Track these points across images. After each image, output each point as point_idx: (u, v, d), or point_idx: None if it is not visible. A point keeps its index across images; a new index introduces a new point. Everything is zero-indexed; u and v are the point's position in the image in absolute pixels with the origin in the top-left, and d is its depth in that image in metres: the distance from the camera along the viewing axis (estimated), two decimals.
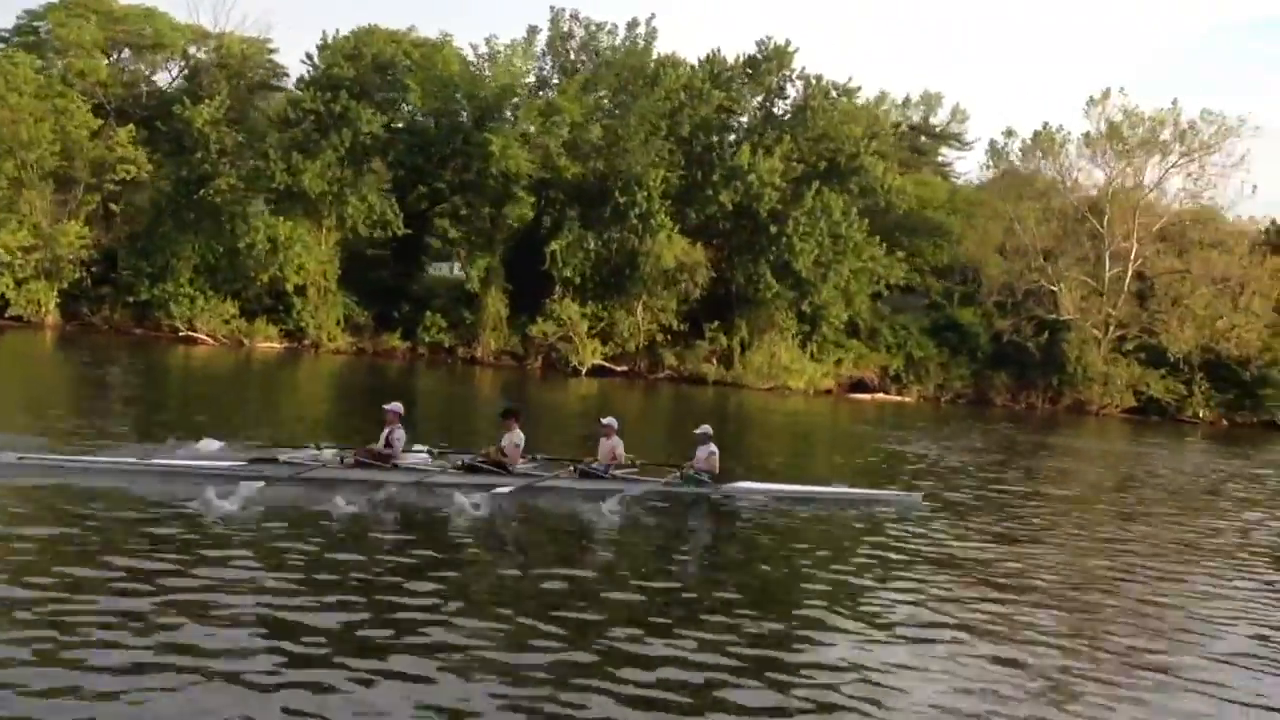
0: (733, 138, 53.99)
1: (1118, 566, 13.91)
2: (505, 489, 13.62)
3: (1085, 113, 63.75)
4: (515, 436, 14.70)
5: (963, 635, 9.61)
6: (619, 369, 54.22)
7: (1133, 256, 61.21)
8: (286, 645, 7.58)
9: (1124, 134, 61.43)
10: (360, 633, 8.10)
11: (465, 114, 49.46)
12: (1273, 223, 67.23)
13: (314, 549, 10.55)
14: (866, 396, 56.79)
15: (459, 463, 14.71)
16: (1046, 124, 66.11)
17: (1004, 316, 61.28)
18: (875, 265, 57.12)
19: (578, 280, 51.37)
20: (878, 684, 7.99)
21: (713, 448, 15.62)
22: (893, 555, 13.09)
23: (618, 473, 15.06)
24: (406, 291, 54.44)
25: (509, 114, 47.93)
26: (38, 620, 7.62)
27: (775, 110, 55.93)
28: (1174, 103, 63.58)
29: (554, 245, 49.75)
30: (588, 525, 13.39)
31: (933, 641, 9.39)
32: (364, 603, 8.84)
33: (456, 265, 57.13)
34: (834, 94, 54.93)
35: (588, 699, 7.10)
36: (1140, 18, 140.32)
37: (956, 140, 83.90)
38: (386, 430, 14.18)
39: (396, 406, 14.26)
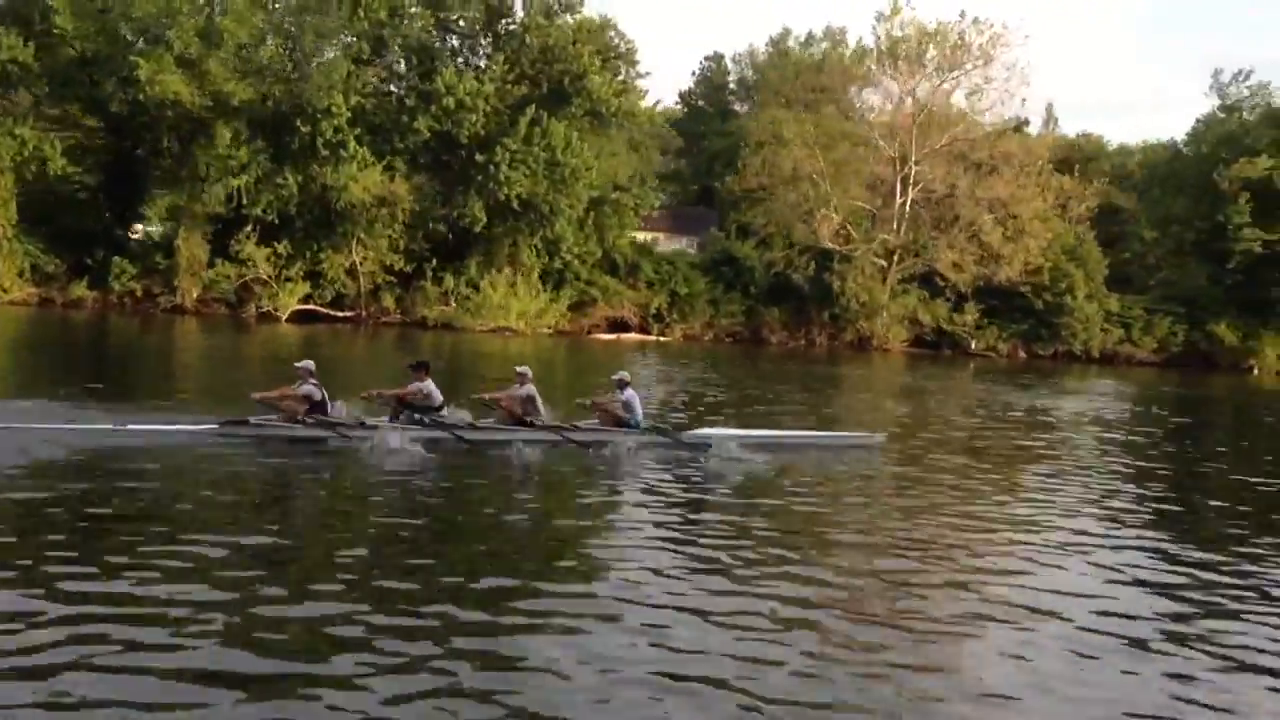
0: (451, 61, 49.67)
1: None
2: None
3: (873, 28, 59.99)
4: (426, 387, 14.57)
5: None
6: (340, 314, 50.52)
7: (911, 180, 57.53)
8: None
9: (902, 49, 57.46)
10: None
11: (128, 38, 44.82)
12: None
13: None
14: (612, 336, 53.23)
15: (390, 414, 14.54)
16: (836, 41, 62.32)
17: (777, 249, 57.66)
18: (628, 197, 53.42)
19: (273, 219, 47.40)
20: None
21: (631, 392, 15.34)
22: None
23: (548, 422, 14.95)
24: (111, 237, 50.36)
25: (169, 36, 43.33)
26: None
27: (499, 30, 51.53)
28: (961, 15, 59.74)
29: (236, 181, 45.66)
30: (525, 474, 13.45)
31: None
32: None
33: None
34: (556, 10, 50.60)
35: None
36: None
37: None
38: (297, 384, 14.09)
39: (308, 364, 14.24)
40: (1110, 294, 61.16)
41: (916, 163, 57.36)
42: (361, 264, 49.94)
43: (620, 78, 52.15)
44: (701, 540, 9.71)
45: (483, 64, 49.76)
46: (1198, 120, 66.54)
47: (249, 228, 46.86)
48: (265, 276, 47.20)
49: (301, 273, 49.29)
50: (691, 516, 11.02)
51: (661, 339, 54.73)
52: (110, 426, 13.03)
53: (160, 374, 25.45)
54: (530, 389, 14.94)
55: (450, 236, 51.62)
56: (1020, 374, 46.93)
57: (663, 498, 11.86)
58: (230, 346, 36.61)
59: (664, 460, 14.34)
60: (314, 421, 13.84)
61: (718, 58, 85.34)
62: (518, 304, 48.20)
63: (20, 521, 8.96)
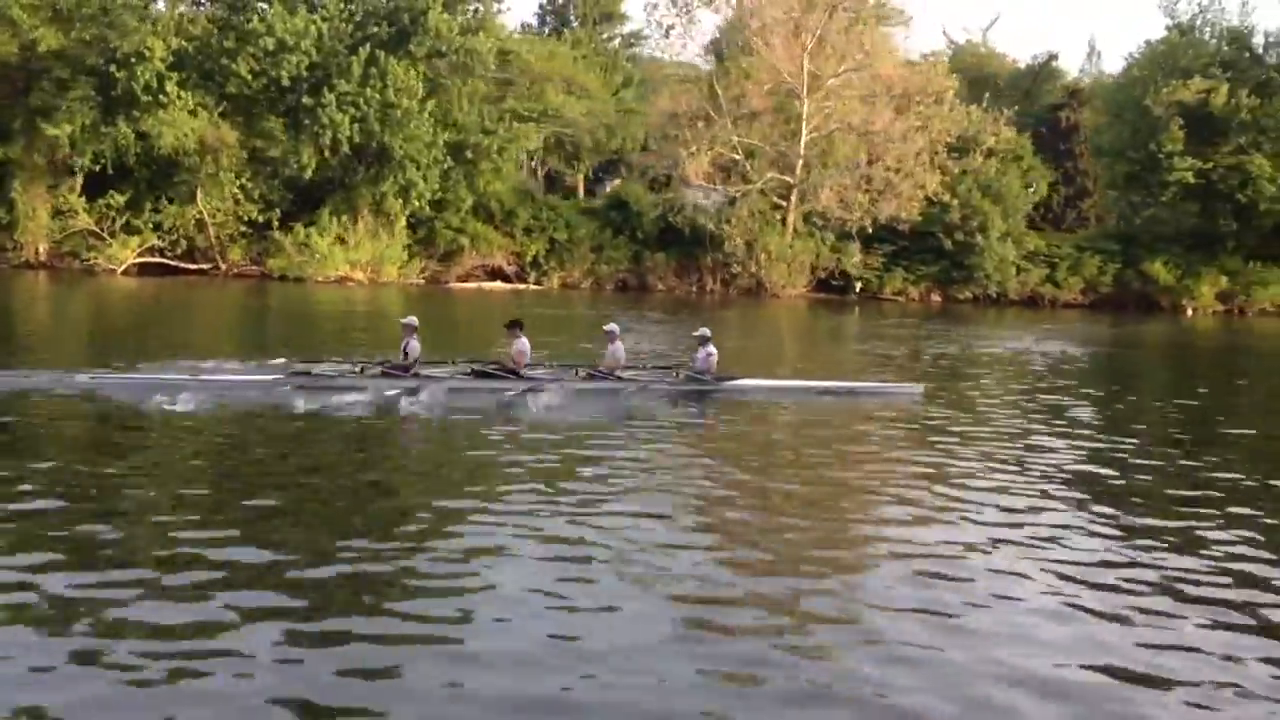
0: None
1: None
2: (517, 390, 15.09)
3: None
4: (520, 344, 15.66)
5: None
6: (191, 267, 49.43)
7: (804, 116, 54.17)
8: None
9: None
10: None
11: None
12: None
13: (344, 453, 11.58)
14: (473, 286, 51.31)
15: (469, 370, 15.68)
16: None
17: (667, 193, 55.00)
18: (494, 140, 51.26)
19: (104, 168, 46.37)
20: None
21: (711, 349, 16.38)
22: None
23: (624, 374, 16.11)
24: None
25: None
26: None
27: None
28: None
29: (53, 130, 44.62)
30: (592, 423, 14.06)
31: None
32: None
33: None
34: None
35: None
36: None
37: None
38: (404, 342, 15.38)
39: (412, 320, 15.54)
40: (1030, 232, 57.34)
41: (823, 97, 54.01)
42: (213, 216, 48.73)
43: (475, 14, 49.78)
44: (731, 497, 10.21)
45: (318, 1, 47.74)
46: (1145, 42, 61.78)
47: (76, 179, 45.96)
48: (93, 229, 46.25)
49: (149, 224, 48.29)
50: (727, 469, 11.59)
51: (535, 287, 52.65)
52: (186, 376, 14.32)
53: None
54: (619, 346, 16.17)
55: (310, 185, 50.13)
56: (915, 319, 43.83)
57: (716, 452, 12.70)
58: (55, 302, 35.70)
59: (711, 409, 15.57)
60: (394, 373, 15.05)
61: None
62: (345, 253, 46.53)
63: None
